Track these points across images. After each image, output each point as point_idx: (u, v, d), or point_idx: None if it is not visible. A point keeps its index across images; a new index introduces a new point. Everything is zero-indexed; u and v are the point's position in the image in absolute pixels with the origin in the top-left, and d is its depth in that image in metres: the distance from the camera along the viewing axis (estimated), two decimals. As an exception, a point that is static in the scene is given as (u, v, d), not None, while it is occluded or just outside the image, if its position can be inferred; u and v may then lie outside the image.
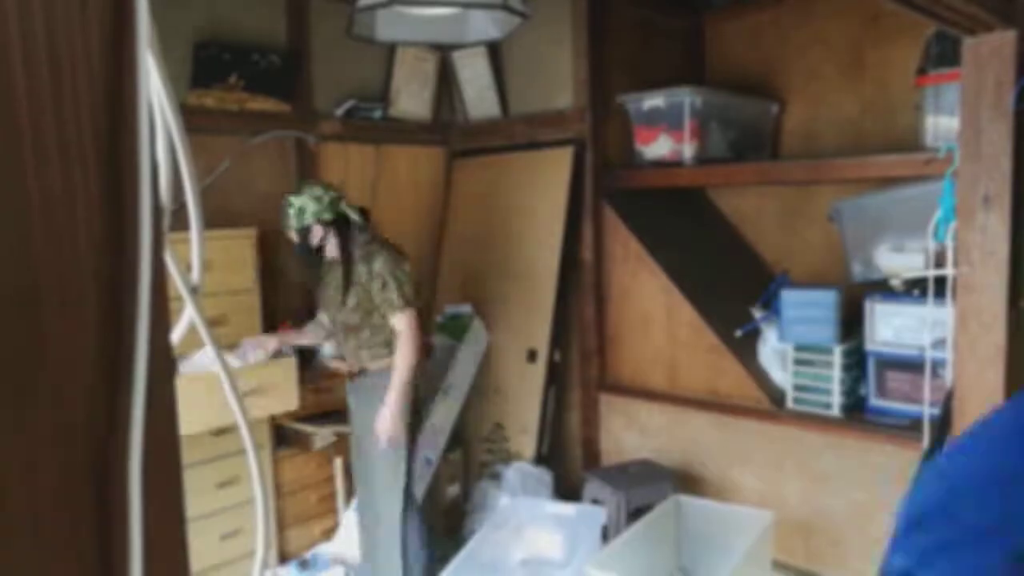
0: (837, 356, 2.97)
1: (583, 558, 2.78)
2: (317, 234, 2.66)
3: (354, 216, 2.70)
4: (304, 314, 3.46)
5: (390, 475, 2.73)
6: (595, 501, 3.06)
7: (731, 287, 3.48)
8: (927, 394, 2.43)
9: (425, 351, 2.81)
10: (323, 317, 2.93)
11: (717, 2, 3.87)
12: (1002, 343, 1.97)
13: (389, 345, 2.72)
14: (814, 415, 3.03)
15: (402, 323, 2.65)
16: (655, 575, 2.75)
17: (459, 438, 3.71)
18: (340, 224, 2.67)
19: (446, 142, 4.05)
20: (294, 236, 2.69)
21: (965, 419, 2.07)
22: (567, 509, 3.05)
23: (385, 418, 2.64)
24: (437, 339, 3.63)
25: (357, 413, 2.83)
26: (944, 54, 2.69)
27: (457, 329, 3.59)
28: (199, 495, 2.83)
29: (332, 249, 2.70)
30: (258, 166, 3.33)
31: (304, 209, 2.62)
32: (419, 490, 3.39)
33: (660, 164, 3.43)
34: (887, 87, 3.32)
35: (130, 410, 0.48)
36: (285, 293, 3.42)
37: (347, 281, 2.67)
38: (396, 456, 2.71)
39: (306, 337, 2.98)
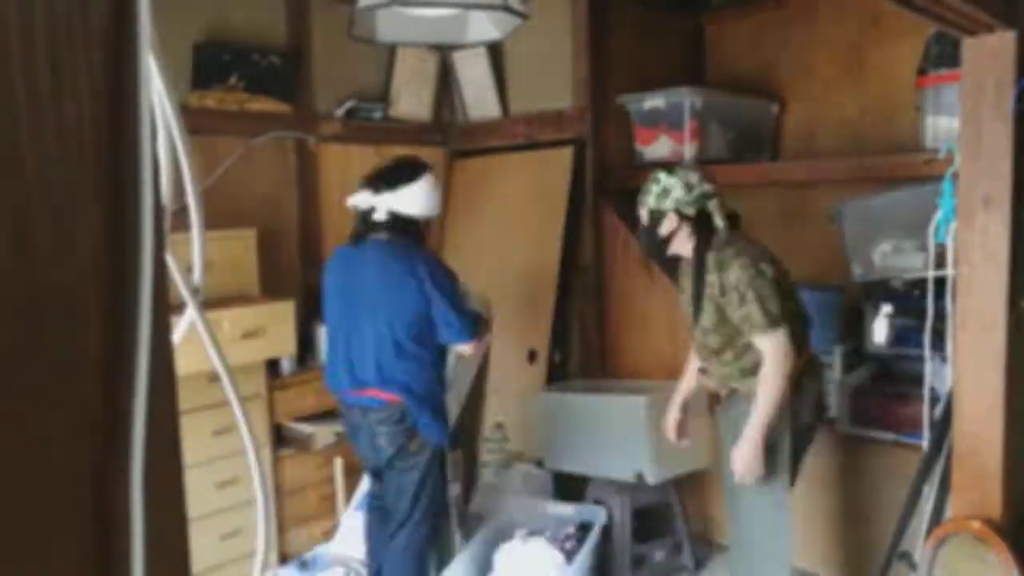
0: (837, 356, 2.96)
1: (584, 558, 2.78)
2: (669, 224, 2.27)
3: (718, 221, 2.25)
4: (305, 317, 3.46)
5: (758, 515, 2.33)
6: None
7: (731, 287, 3.47)
8: (927, 395, 2.43)
9: (795, 377, 2.22)
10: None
11: (717, 2, 3.87)
12: (1002, 344, 1.98)
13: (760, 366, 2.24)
14: (814, 415, 3.03)
15: (766, 344, 2.16)
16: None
17: (459, 438, 3.70)
18: (700, 224, 2.25)
19: (446, 142, 4.05)
20: (644, 216, 2.32)
21: (965, 419, 2.07)
22: (567, 509, 3.05)
23: (742, 453, 2.21)
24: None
25: (724, 442, 2.38)
26: (944, 55, 2.69)
27: (457, 329, 3.58)
28: (199, 495, 2.82)
29: (681, 246, 2.30)
30: (259, 167, 3.33)
31: (668, 192, 2.25)
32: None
33: (660, 165, 3.43)
34: (887, 88, 3.32)
35: (131, 410, 0.48)
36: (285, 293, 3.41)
37: (698, 295, 2.25)
38: (763, 493, 2.28)
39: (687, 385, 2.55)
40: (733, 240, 2.24)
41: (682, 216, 2.25)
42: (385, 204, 2.47)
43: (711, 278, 2.21)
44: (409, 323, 2.46)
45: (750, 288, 2.13)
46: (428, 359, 2.53)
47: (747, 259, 2.17)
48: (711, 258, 2.22)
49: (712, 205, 2.26)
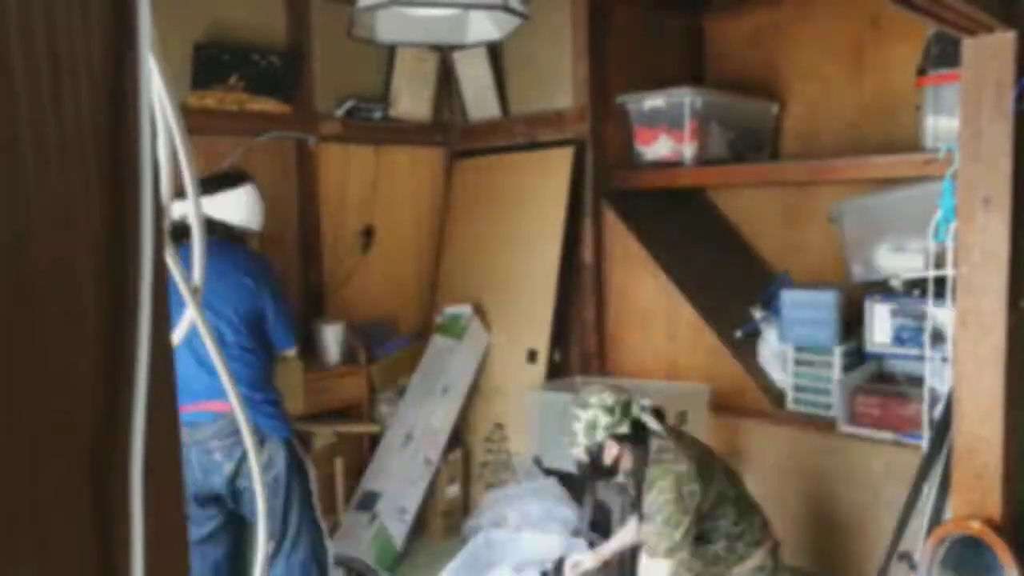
0: (837, 356, 2.97)
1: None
2: (611, 451, 2.18)
3: (653, 424, 2.19)
4: (305, 316, 3.46)
5: None
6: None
7: (731, 287, 3.48)
8: (927, 396, 2.43)
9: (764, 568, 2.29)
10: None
11: (717, 2, 3.87)
12: (1002, 344, 1.97)
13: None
14: (814, 415, 3.03)
15: (653, 570, 2.10)
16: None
17: (459, 438, 3.71)
18: (636, 435, 2.19)
19: (446, 142, 4.05)
20: (582, 455, 2.20)
21: (965, 420, 2.07)
22: (567, 509, 3.05)
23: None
24: (437, 339, 3.63)
25: None
26: (944, 54, 2.69)
27: (456, 329, 3.59)
28: (199, 495, 2.82)
29: (627, 463, 2.21)
30: (258, 167, 3.32)
31: (595, 423, 2.15)
32: (418, 490, 3.39)
33: (660, 164, 3.43)
34: (887, 87, 3.32)
35: (130, 410, 0.48)
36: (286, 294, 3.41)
37: (639, 510, 2.20)
38: None
39: (621, 541, 2.53)
40: (665, 449, 2.16)
41: (618, 437, 2.16)
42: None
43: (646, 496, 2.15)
44: None
45: (662, 509, 2.07)
46: None
47: (669, 482, 2.08)
48: (648, 473, 2.15)
49: (636, 410, 2.19)
